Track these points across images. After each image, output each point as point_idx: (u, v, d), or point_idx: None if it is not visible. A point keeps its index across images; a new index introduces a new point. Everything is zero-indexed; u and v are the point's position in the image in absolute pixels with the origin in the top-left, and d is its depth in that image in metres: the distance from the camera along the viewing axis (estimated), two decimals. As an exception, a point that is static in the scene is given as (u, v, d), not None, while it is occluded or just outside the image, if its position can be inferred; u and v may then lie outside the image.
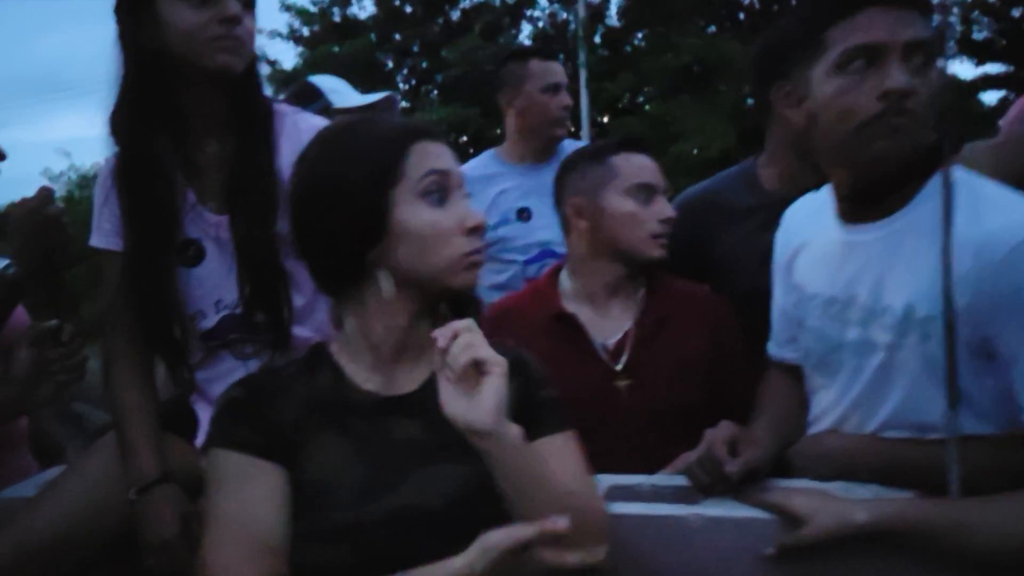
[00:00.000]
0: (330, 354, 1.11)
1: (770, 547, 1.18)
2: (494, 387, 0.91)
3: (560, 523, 0.87)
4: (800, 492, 1.22)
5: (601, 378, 1.61)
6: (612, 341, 1.65)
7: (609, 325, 1.67)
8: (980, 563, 1.11)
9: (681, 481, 1.37)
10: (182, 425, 1.46)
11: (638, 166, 1.67)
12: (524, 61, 2.51)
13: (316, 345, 1.14)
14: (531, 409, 1.09)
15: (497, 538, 0.89)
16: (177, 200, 1.38)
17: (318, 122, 1.46)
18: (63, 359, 1.50)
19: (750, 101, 11.72)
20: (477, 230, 1.04)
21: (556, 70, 2.53)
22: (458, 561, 0.91)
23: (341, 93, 2.19)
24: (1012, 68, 13.59)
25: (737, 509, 1.24)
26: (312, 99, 2.13)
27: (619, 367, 1.63)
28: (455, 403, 0.92)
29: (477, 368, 0.91)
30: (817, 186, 1.62)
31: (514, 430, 0.94)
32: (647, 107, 13.53)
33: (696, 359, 1.63)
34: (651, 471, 1.43)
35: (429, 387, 1.04)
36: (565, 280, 1.75)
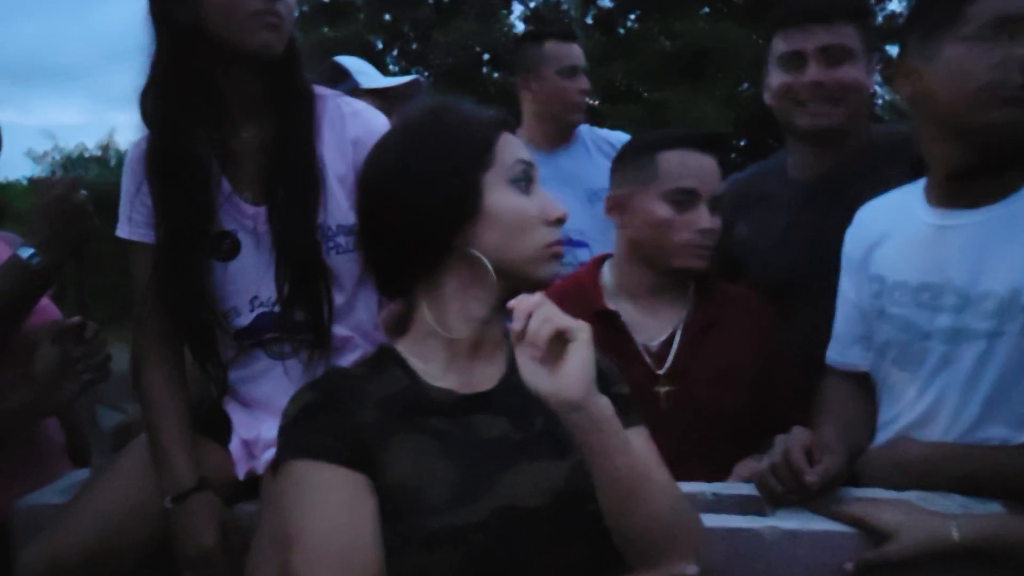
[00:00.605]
0: (399, 354, 1.05)
1: (849, 562, 1.13)
2: (581, 354, 0.88)
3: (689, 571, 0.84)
4: (884, 504, 1.16)
5: (641, 381, 1.51)
6: (655, 343, 1.58)
7: (653, 325, 1.60)
8: None
9: (745, 490, 1.31)
10: (215, 428, 1.37)
11: (684, 168, 1.55)
12: (540, 43, 2.44)
13: (382, 346, 1.09)
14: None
15: None
16: (212, 189, 1.29)
17: (361, 107, 1.38)
18: (87, 357, 1.43)
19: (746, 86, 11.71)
20: (560, 222, 1.03)
21: (574, 52, 2.45)
22: None
23: (368, 75, 2.13)
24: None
25: (814, 522, 1.19)
26: (339, 79, 2.06)
27: (661, 372, 1.56)
28: (540, 378, 0.88)
29: (560, 338, 0.88)
30: (832, 171, 1.71)
31: (604, 400, 0.91)
32: (645, 94, 13.42)
33: (741, 367, 1.56)
34: (690, 478, 1.35)
35: (507, 384, 1.04)
36: (607, 274, 1.68)
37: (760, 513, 1.24)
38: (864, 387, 1.43)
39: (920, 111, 1.29)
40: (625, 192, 1.60)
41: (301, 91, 1.33)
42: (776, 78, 1.74)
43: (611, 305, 1.61)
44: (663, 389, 1.55)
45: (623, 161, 1.65)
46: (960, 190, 1.27)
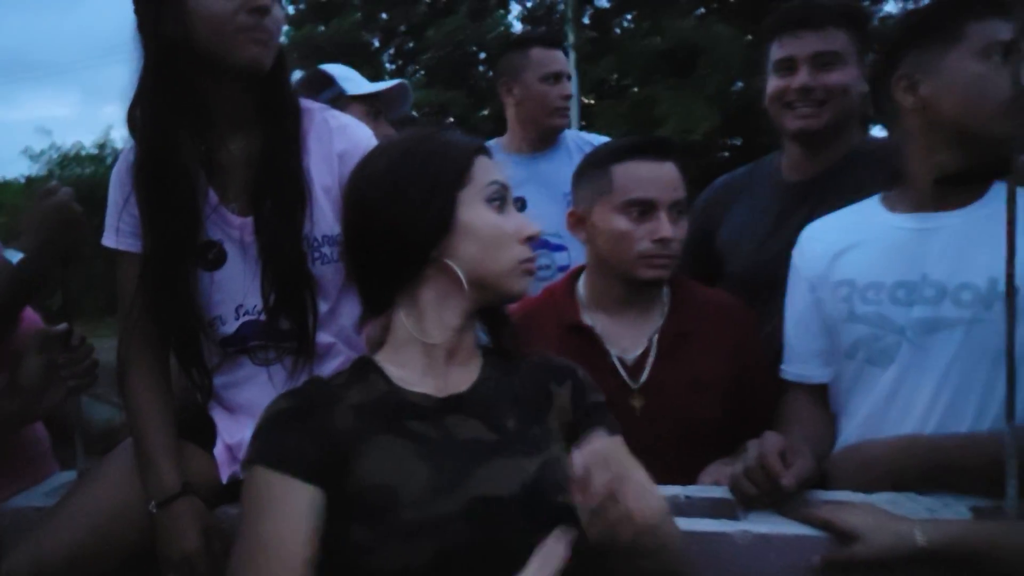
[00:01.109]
0: (377, 364, 1.11)
1: (817, 559, 1.16)
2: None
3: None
4: (852, 508, 1.19)
5: (616, 394, 1.50)
6: (631, 357, 1.57)
7: (628, 337, 1.59)
8: None
9: (717, 493, 1.33)
10: (200, 433, 1.40)
11: (637, 178, 1.54)
12: (525, 49, 2.45)
13: (360, 358, 1.14)
14: (584, 414, 1.14)
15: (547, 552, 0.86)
16: (199, 200, 1.31)
17: (347, 121, 1.40)
18: (72, 364, 1.45)
19: (740, 84, 11.72)
20: (532, 239, 1.09)
21: (557, 58, 2.47)
22: None
23: (353, 81, 2.13)
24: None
25: (785, 526, 1.21)
26: (324, 86, 2.07)
27: (636, 386, 1.56)
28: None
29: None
30: (821, 175, 1.78)
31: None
32: (634, 89, 13.43)
33: (717, 376, 1.55)
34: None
35: (481, 387, 1.11)
36: (582, 287, 1.68)
37: (732, 516, 1.26)
38: (822, 399, 1.48)
39: (917, 119, 1.36)
40: (584, 207, 1.61)
41: (288, 104, 1.35)
42: (771, 83, 1.81)
43: (586, 318, 1.62)
44: (638, 402, 1.55)
45: (580, 177, 1.65)
46: (943, 194, 1.35)
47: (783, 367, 1.54)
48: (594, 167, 1.61)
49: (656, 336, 1.58)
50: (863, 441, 1.36)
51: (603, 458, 0.86)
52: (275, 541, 0.97)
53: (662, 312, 1.62)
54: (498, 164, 1.13)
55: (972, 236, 1.31)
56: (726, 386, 1.56)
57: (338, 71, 2.14)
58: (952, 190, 1.34)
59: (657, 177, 1.55)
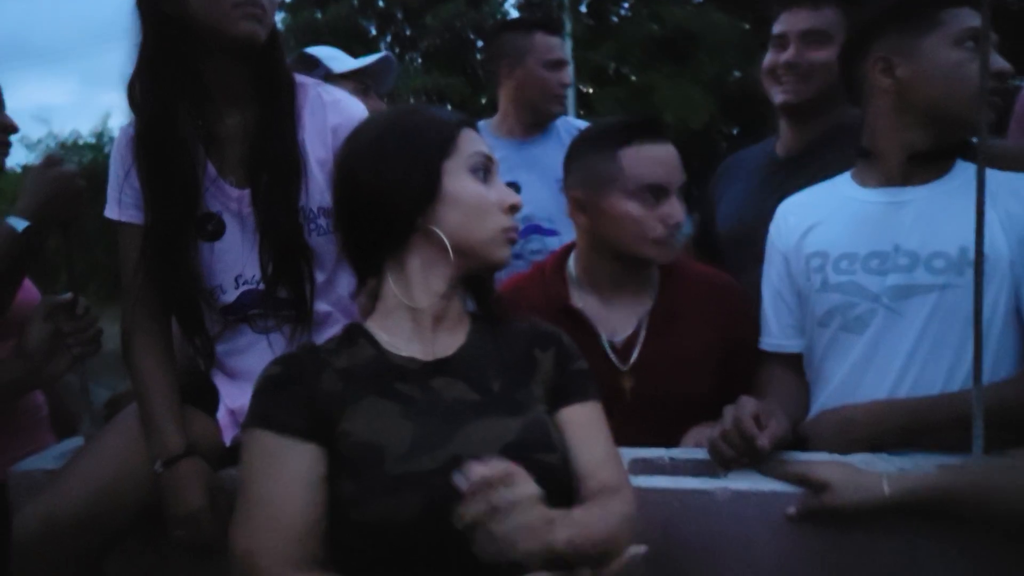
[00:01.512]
0: (366, 329, 1.15)
1: (792, 507, 1.22)
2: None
3: None
4: (825, 463, 1.25)
5: (606, 376, 1.49)
6: (620, 338, 1.59)
7: (617, 318, 1.60)
8: (1006, 527, 1.15)
9: (699, 454, 1.38)
10: (203, 398, 1.45)
11: (648, 162, 1.52)
12: (528, 33, 2.45)
13: (351, 324, 1.18)
14: (565, 379, 1.18)
15: None
16: (198, 173, 1.36)
17: (341, 95, 1.45)
18: (78, 332, 1.49)
19: (737, 73, 11.73)
20: (514, 209, 1.13)
21: (560, 46, 2.49)
22: None
23: (339, 59, 2.17)
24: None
25: (761, 482, 1.27)
26: (311, 67, 2.10)
27: (626, 368, 1.57)
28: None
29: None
30: (805, 147, 1.85)
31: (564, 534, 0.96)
32: (633, 78, 13.42)
33: (705, 353, 1.57)
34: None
35: (467, 350, 1.15)
36: (572, 266, 1.68)
37: (713, 475, 1.31)
38: (797, 367, 1.54)
39: (891, 99, 1.41)
40: (588, 193, 1.57)
41: (283, 80, 1.39)
42: (766, 58, 1.90)
43: (576, 299, 1.62)
44: (627, 384, 1.57)
45: (579, 159, 1.61)
46: (914, 170, 1.42)
47: (761, 339, 1.59)
48: (597, 151, 1.57)
49: (647, 318, 1.60)
50: (843, 405, 1.41)
51: (489, 483, 0.90)
52: (275, 498, 1.02)
53: (652, 292, 1.63)
54: (481, 138, 1.16)
55: (940, 208, 1.38)
56: (716, 362, 1.58)
57: (322, 52, 2.17)
58: (921, 166, 1.41)
59: (666, 160, 1.54)
